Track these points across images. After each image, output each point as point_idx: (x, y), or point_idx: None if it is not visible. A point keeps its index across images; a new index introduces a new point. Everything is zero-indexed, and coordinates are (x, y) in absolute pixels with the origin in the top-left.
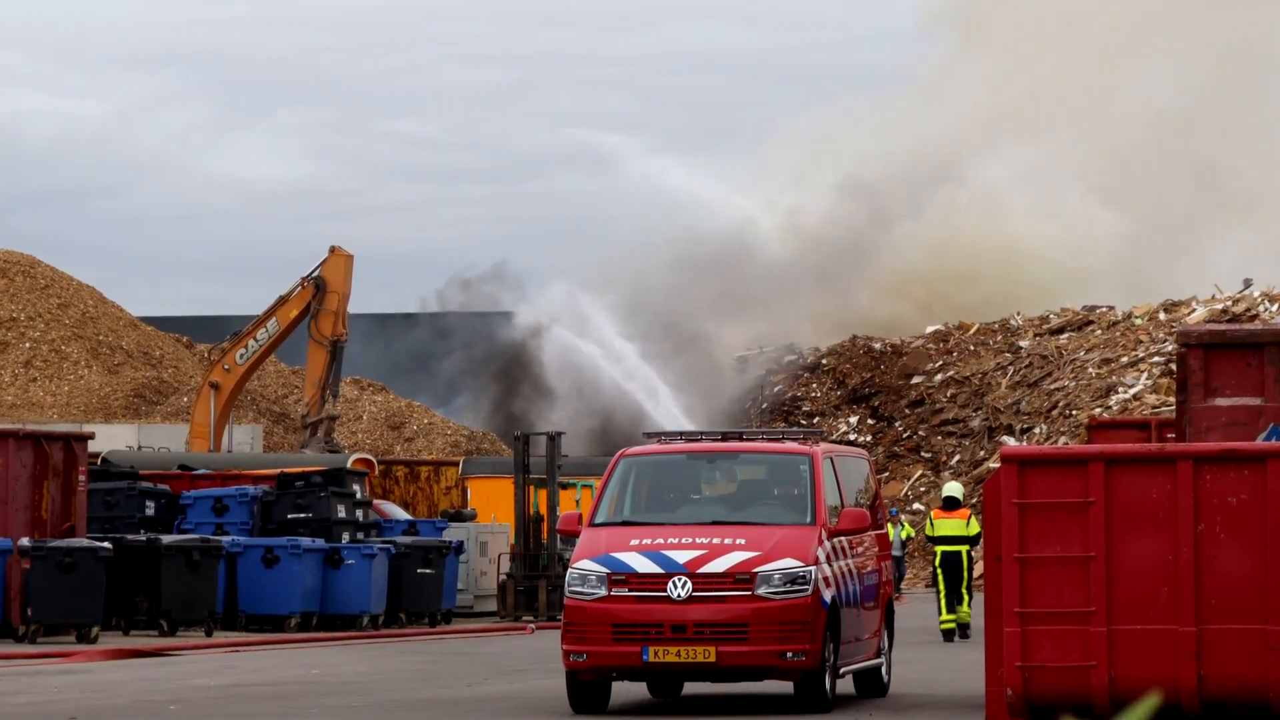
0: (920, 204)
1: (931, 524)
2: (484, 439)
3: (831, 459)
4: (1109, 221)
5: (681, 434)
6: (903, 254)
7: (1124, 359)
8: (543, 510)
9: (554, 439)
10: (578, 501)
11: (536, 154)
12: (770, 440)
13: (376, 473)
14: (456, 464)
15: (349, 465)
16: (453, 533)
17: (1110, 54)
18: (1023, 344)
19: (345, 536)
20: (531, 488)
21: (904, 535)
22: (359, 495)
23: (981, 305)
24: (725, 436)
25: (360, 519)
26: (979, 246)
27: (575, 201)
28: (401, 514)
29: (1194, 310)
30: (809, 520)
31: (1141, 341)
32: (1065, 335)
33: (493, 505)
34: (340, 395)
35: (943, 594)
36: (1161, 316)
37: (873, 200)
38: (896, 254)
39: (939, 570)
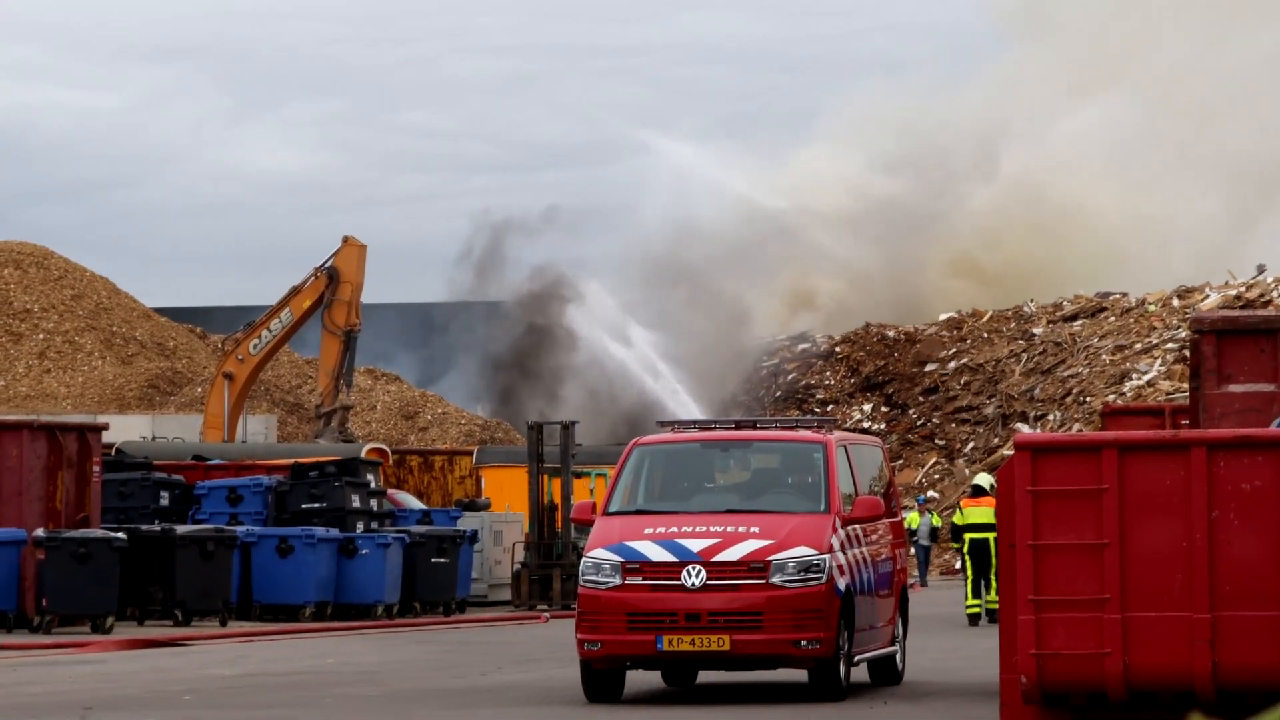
0: (967, 188)
1: (960, 512)
2: (498, 428)
3: (845, 447)
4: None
5: (695, 423)
6: (958, 232)
7: (1138, 345)
8: (557, 499)
9: (568, 428)
10: (592, 490)
11: (550, 144)
12: (784, 428)
13: (390, 462)
14: (470, 453)
15: (363, 455)
16: (467, 522)
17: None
18: (1036, 331)
19: (359, 526)
20: (546, 476)
21: (933, 523)
22: (373, 485)
23: (1024, 286)
24: (739, 425)
25: (374, 509)
26: (1031, 228)
27: (591, 190)
28: (415, 503)
29: (1208, 296)
30: (823, 508)
31: (1155, 328)
32: (1079, 322)
33: (507, 494)
34: (354, 385)
35: (969, 580)
36: (1175, 303)
37: (929, 177)
38: (954, 232)
39: (966, 557)
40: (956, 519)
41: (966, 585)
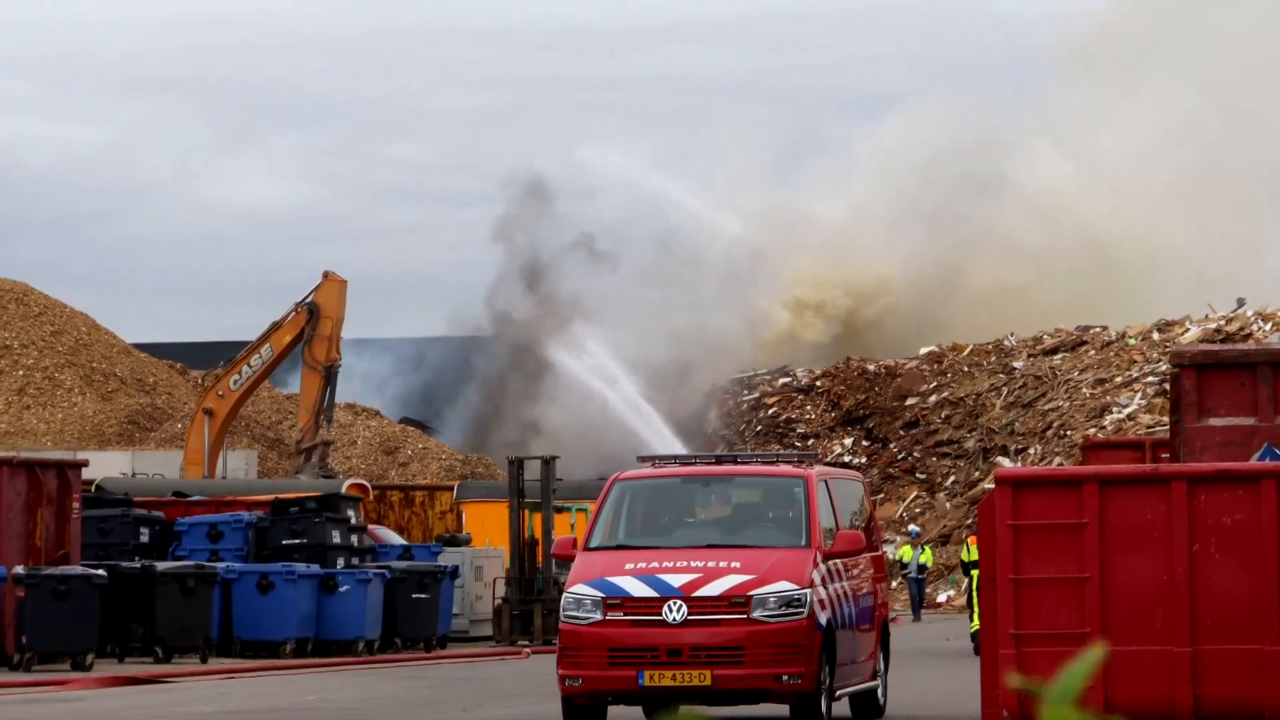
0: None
1: (967, 548)
2: (478, 463)
3: (826, 481)
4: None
5: (676, 457)
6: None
7: (1118, 379)
8: (538, 534)
9: (548, 463)
10: (573, 525)
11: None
12: (765, 463)
13: (371, 498)
14: (451, 488)
15: (343, 490)
16: (448, 557)
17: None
18: (1017, 365)
19: (340, 562)
20: (526, 511)
21: (922, 560)
22: (354, 520)
23: (1004, 320)
24: (719, 460)
25: (355, 544)
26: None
27: (577, 224)
28: (396, 539)
29: (1187, 330)
30: (804, 543)
31: (1135, 361)
32: (1059, 356)
33: (488, 529)
34: (334, 420)
35: (977, 606)
36: (1155, 336)
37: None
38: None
39: (974, 591)
40: (964, 555)
41: (973, 611)
